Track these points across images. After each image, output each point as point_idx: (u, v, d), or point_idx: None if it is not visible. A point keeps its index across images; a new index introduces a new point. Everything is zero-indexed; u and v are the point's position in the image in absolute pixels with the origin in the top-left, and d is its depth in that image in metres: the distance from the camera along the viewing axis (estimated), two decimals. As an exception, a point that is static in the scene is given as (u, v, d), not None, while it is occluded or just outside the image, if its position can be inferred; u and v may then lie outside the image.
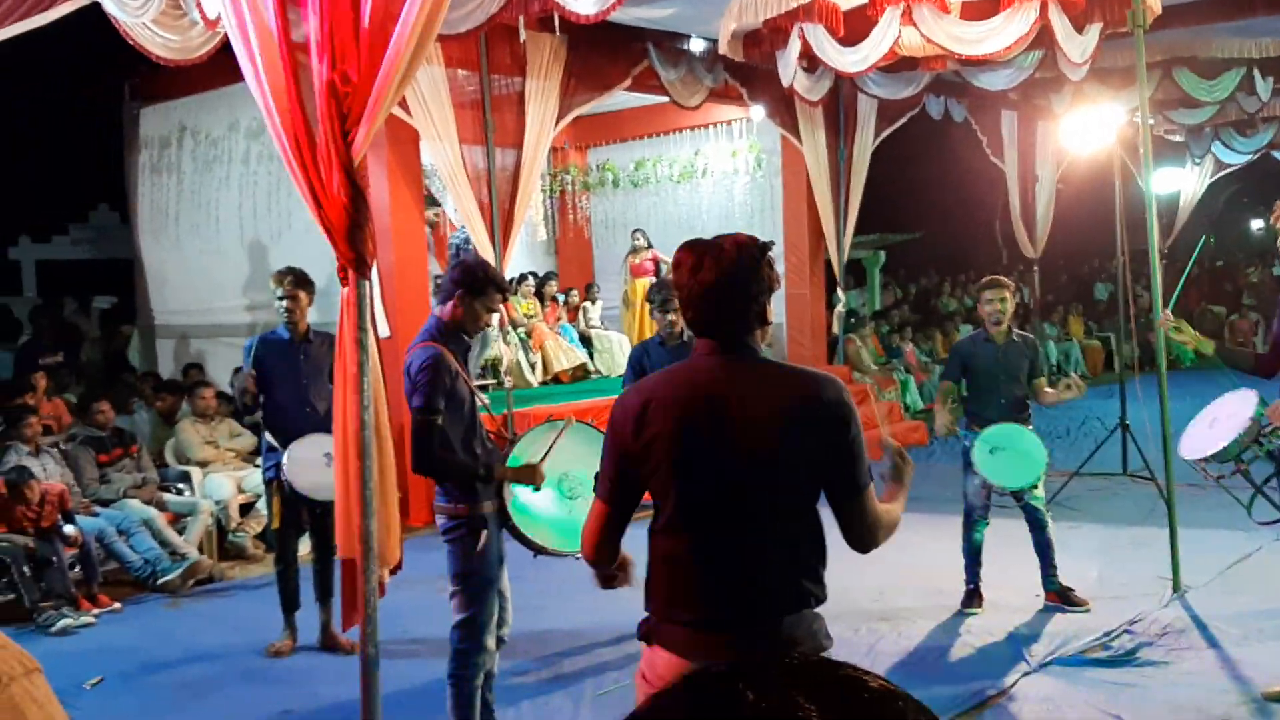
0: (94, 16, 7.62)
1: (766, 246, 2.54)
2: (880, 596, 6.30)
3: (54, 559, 6.73)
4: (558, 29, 9.22)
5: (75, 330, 11.71)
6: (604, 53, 9.87)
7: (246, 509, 8.37)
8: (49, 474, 7.25)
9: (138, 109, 11.08)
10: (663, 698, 0.66)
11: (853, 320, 14.56)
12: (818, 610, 2.51)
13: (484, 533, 4.15)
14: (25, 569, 6.65)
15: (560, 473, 4.33)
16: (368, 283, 3.54)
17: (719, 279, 2.45)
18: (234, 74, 8.83)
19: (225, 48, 7.69)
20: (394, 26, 3.45)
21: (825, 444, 2.43)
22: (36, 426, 7.61)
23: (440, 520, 4.21)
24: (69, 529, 6.89)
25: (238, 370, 8.93)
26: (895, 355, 15.12)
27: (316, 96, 3.64)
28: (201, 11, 7.00)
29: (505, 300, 5.04)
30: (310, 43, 3.66)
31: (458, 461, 4.08)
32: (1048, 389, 6.26)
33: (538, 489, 4.23)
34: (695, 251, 2.50)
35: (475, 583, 4.17)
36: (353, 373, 3.48)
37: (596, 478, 2.68)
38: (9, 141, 16.02)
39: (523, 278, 11.79)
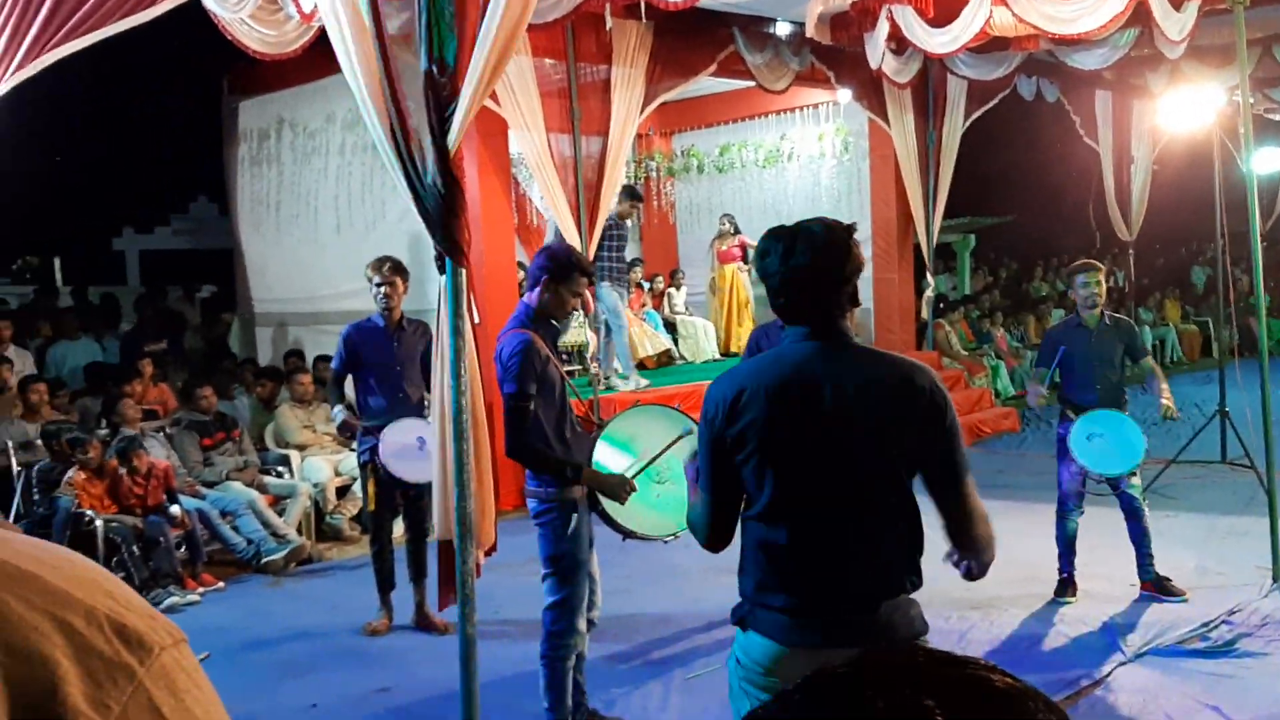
0: (193, 13, 7.85)
1: (852, 228, 2.54)
2: (971, 584, 6.24)
3: (161, 539, 7.00)
4: (644, 16, 9.25)
5: (179, 318, 12.11)
6: (690, 38, 9.87)
7: (343, 491, 8.59)
8: (154, 457, 7.53)
9: (236, 103, 11.39)
10: (783, 702, 0.64)
11: (941, 305, 14.37)
12: (913, 596, 2.51)
13: (574, 516, 4.22)
14: (134, 548, 6.93)
15: (650, 458, 4.36)
16: (463, 270, 3.62)
17: (813, 263, 2.45)
18: (329, 67, 9.00)
19: (321, 41, 7.88)
20: (487, 18, 3.51)
21: (921, 431, 2.41)
22: (134, 410, 7.90)
23: (531, 503, 4.28)
24: (175, 509, 7.16)
25: (323, 360, 9.17)
26: (985, 341, 14.88)
27: (412, 87, 3.73)
28: (297, 5, 7.17)
29: (591, 285, 5.09)
30: (405, 35, 3.75)
31: (549, 453, 4.14)
32: (1158, 368, 6.20)
33: (623, 504, 4.22)
34: (785, 237, 2.50)
35: (566, 565, 4.23)
36: (450, 358, 3.57)
37: (688, 466, 2.69)
38: (113, 136, 16.60)
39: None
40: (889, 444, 2.41)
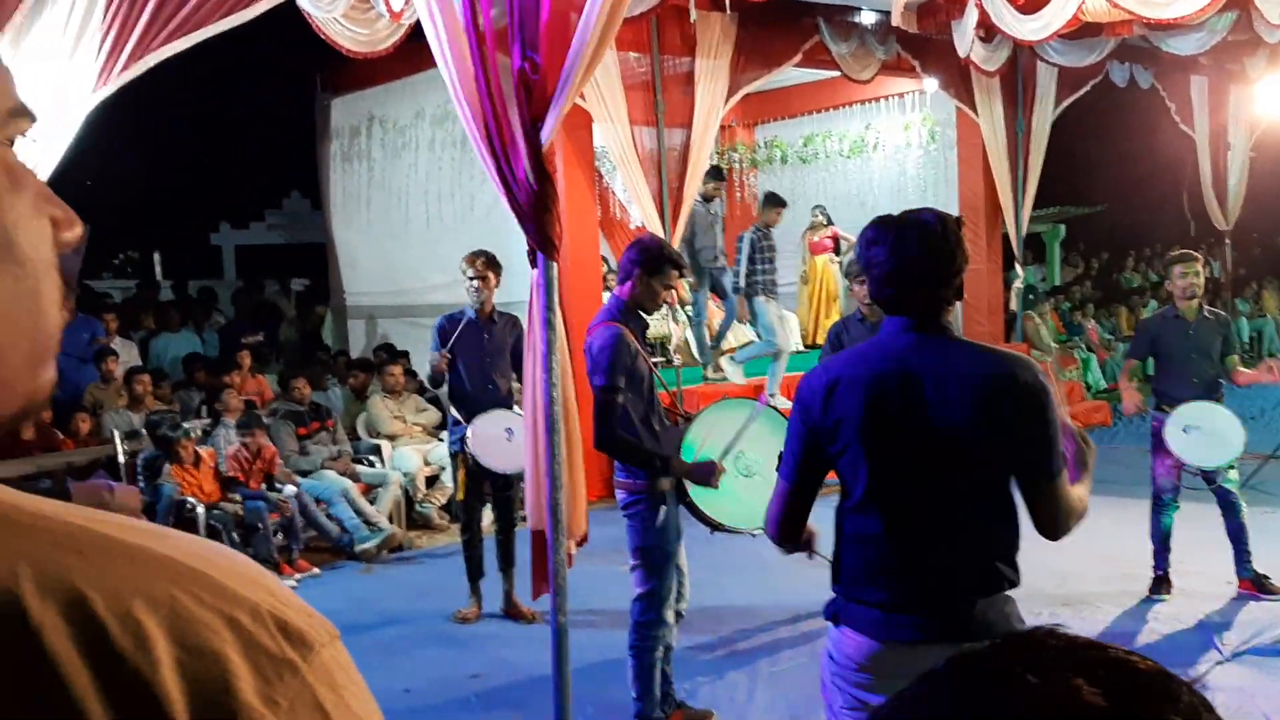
0: (287, 13, 8.06)
1: (960, 221, 2.53)
2: (1063, 581, 6.16)
3: (260, 525, 7.22)
4: (728, 8, 9.25)
5: (275, 310, 12.44)
6: (774, 29, 9.84)
7: (432, 481, 8.77)
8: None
9: (329, 100, 11.65)
10: (930, 681, 0.64)
11: (1031, 297, 14.11)
12: (1009, 593, 2.49)
13: (663, 509, 4.27)
14: (234, 534, 7.16)
15: (738, 450, 4.38)
16: (555, 265, 3.68)
17: (924, 254, 2.43)
18: (419, 64, 9.17)
19: (410, 39, 8.04)
20: (583, 17, 3.56)
21: (1020, 427, 2.38)
22: (236, 400, 8.17)
23: (620, 495, 4.34)
24: (288, 489, 7.43)
25: (404, 355, 9.37)
26: (1076, 333, 14.59)
27: (505, 85, 3.80)
28: (387, 4, 7.31)
29: (681, 277, 5.13)
30: (498, 32, 3.81)
31: (638, 444, 4.18)
32: (1243, 368, 5.98)
33: (715, 488, 4.27)
34: (895, 227, 2.48)
35: (654, 557, 4.28)
36: (541, 351, 3.63)
37: (780, 457, 2.71)
38: (210, 135, 17.08)
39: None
40: (989, 439, 2.39)
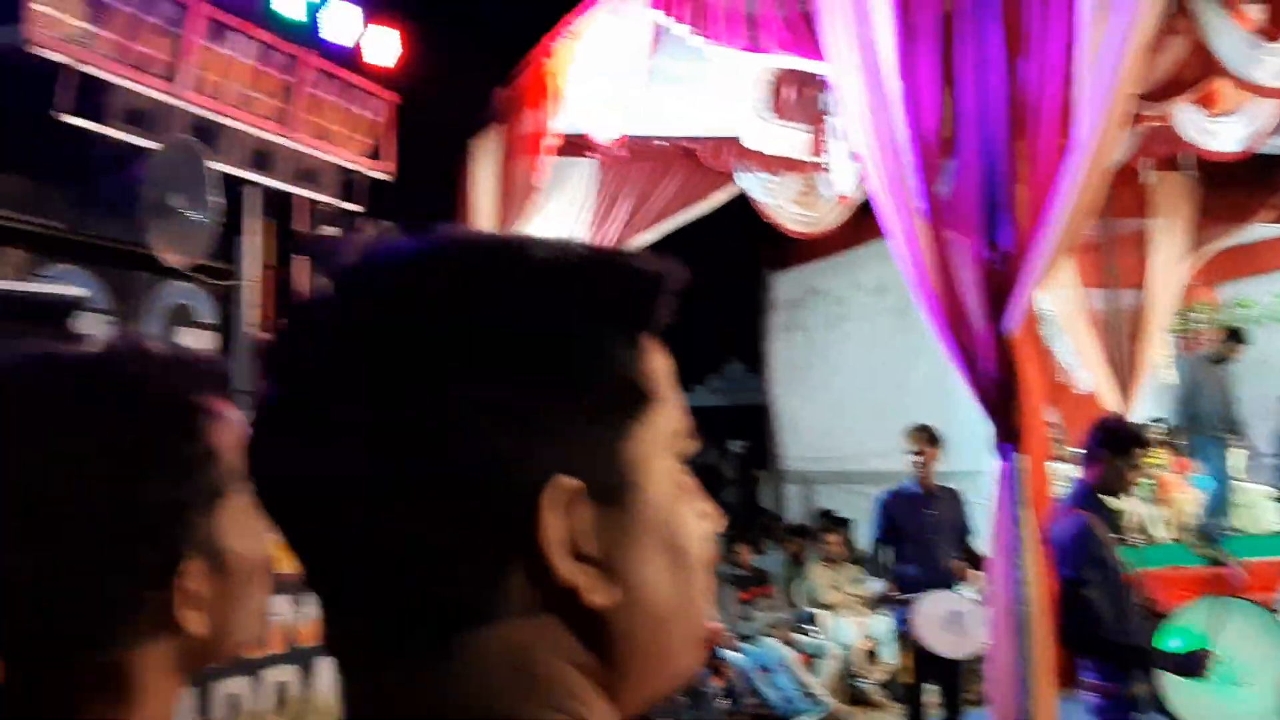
0: (738, 200, 8.70)
1: None
2: None
3: (705, 689, 7.44)
4: (1189, 167, 8.76)
5: (716, 473, 13.01)
6: (1241, 185, 9.14)
7: (871, 655, 8.61)
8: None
9: (772, 275, 12.28)
10: None
11: None
12: None
13: (1137, 716, 3.93)
14: (679, 697, 7.42)
15: (1222, 653, 3.97)
16: (1025, 457, 3.59)
17: None
18: (857, 238, 9.35)
19: (852, 216, 8.34)
20: (1059, 202, 3.49)
21: None
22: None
23: (1090, 698, 4.05)
24: (719, 660, 7.61)
25: (845, 522, 9.37)
26: None
27: (964, 267, 3.82)
28: (835, 189, 7.65)
29: (1146, 456, 4.82)
30: (959, 216, 3.86)
31: (1113, 642, 3.91)
32: None
33: (1204, 678, 3.90)
34: None
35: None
36: (1009, 547, 3.53)
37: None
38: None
39: (1149, 425, 11.03)
40: None
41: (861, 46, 3.99)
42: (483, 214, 8.23)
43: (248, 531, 0.99)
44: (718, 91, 6.94)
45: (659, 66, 5.59)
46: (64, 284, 6.10)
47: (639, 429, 0.65)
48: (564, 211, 8.03)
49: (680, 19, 5.06)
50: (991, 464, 3.71)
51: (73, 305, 5.31)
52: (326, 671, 5.15)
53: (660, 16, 5.30)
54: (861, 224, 8.84)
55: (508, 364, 0.61)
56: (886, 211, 4.10)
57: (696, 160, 8.13)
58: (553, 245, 0.66)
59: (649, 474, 0.66)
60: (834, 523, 10.01)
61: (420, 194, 8.60)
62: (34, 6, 5.06)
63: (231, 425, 0.99)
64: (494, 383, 0.60)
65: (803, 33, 4.63)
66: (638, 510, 0.65)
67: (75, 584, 0.90)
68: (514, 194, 7.79)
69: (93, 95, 5.47)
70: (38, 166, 6.21)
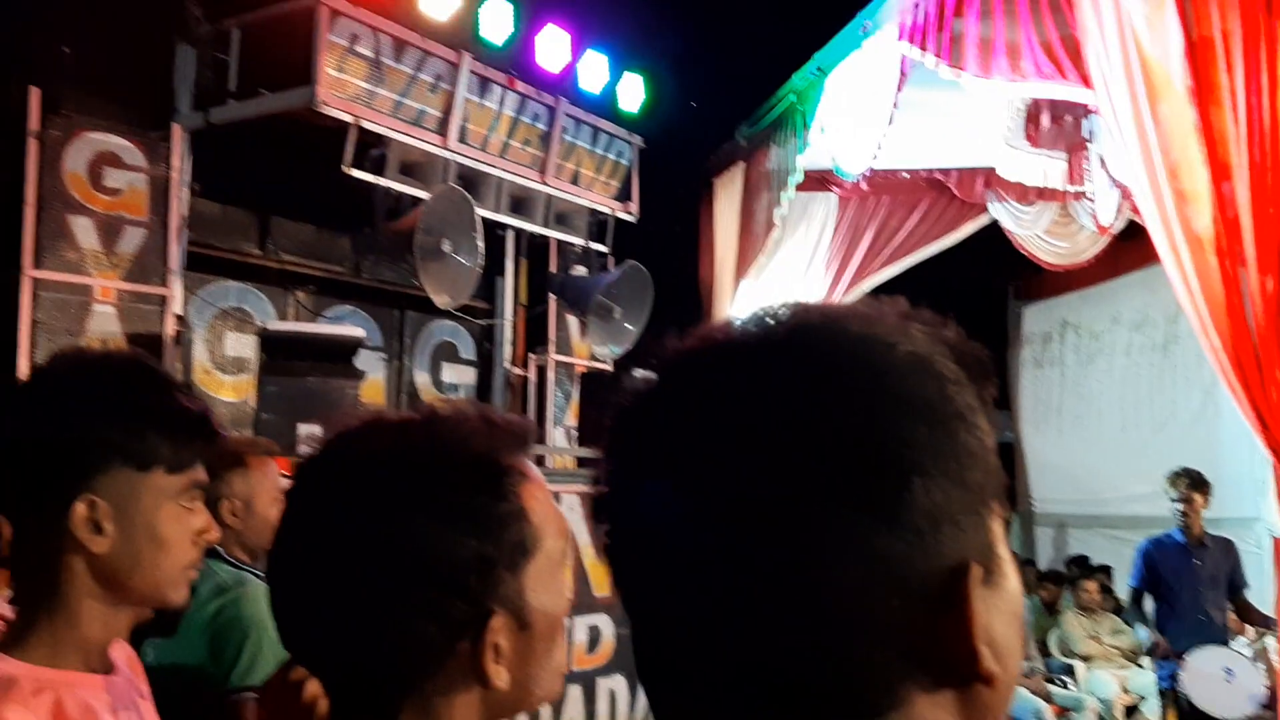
0: (985, 229, 8.45)
1: None
2: None
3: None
4: None
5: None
6: None
7: (1131, 711, 8.10)
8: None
9: (1021, 308, 11.84)
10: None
11: None
12: None
13: None
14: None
15: None
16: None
17: None
18: (1114, 269, 8.94)
19: (1109, 245, 7.96)
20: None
21: None
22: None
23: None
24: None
25: (1102, 570, 8.85)
26: None
27: (1254, 302, 3.59)
28: (1095, 219, 7.33)
29: None
30: (1244, 245, 3.62)
31: None
32: None
33: None
34: None
35: None
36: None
37: None
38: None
39: None
40: None
41: (1131, 69, 3.82)
42: (723, 251, 8.36)
43: (552, 590, 1.04)
44: (968, 121, 6.81)
45: (906, 97, 5.53)
46: (345, 324, 6.60)
47: (999, 503, 0.67)
48: (803, 246, 8.04)
49: (932, 51, 5.00)
50: (1268, 511, 3.45)
51: (354, 345, 5.75)
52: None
53: (909, 49, 5.25)
54: (1120, 254, 8.43)
55: (916, 453, 0.62)
56: (1160, 242, 3.90)
57: (943, 191, 7.98)
58: (899, 328, 0.67)
59: (1005, 544, 0.68)
60: (1090, 569, 9.50)
61: (664, 233, 8.81)
62: (325, 70, 5.53)
63: (540, 486, 1.05)
64: (911, 472, 0.61)
65: (1064, 58, 4.48)
66: (1003, 583, 0.66)
67: (390, 631, 0.96)
68: (754, 230, 7.87)
69: (372, 149, 5.91)
70: (323, 216, 6.77)
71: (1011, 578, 0.67)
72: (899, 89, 5.45)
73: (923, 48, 5.09)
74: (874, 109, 5.74)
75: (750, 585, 0.60)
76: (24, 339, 5.21)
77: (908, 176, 7.87)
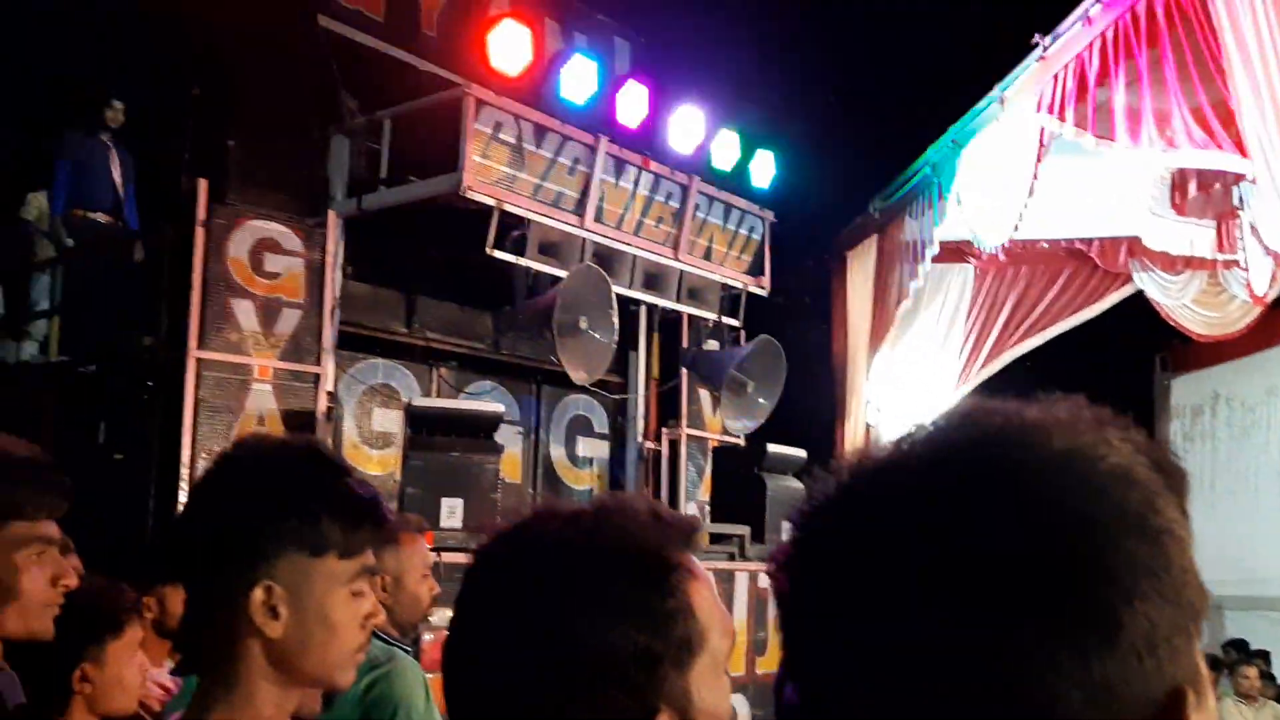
0: (1130, 299, 8.22)
1: None
2: None
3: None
4: None
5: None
6: None
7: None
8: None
9: (1169, 380, 11.42)
10: None
11: None
12: None
13: None
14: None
15: None
16: None
17: None
18: (1269, 338, 8.60)
19: (1263, 314, 7.66)
20: None
21: None
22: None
23: None
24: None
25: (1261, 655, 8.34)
26: None
27: None
28: (1249, 288, 7.07)
29: None
30: None
31: None
32: None
33: None
34: None
35: None
36: None
37: None
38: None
39: None
40: None
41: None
42: (856, 324, 8.31)
43: (716, 689, 1.03)
44: (1109, 189, 6.69)
45: (1043, 166, 5.46)
46: (486, 400, 6.76)
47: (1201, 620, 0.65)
48: (939, 318, 7.94)
49: (1073, 122, 4.94)
50: None
51: (495, 420, 5.88)
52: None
53: (1050, 121, 5.20)
54: (1275, 323, 8.08)
55: (1132, 573, 0.61)
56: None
57: (1085, 261, 7.81)
58: (1098, 437, 0.65)
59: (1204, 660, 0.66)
60: (1249, 654, 8.99)
61: (795, 306, 8.81)
62: (470, 157, 5.75)
63: (706, 584, 1.05)
64: (1130, 593, 0.60)
65: (1216, 125, 4.38)
66: (1207, 704, 0.64)
67: None
68: (888, 303, 7.82)
69: (513, 230, 6.09)
70: (465, 294, 6.99)
71: (1211, 696, 0.65)
72: (1039, 160, 5.39)
73: (1062, 118, 5.03)
74: (1012, 180, 5.68)
75: (964, 710, 0.60)
76: (188, 415, 5.47)
77: (1047, 246, 7.73)
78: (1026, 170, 5.52)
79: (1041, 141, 5.42)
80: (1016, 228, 5.96)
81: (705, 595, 1.03)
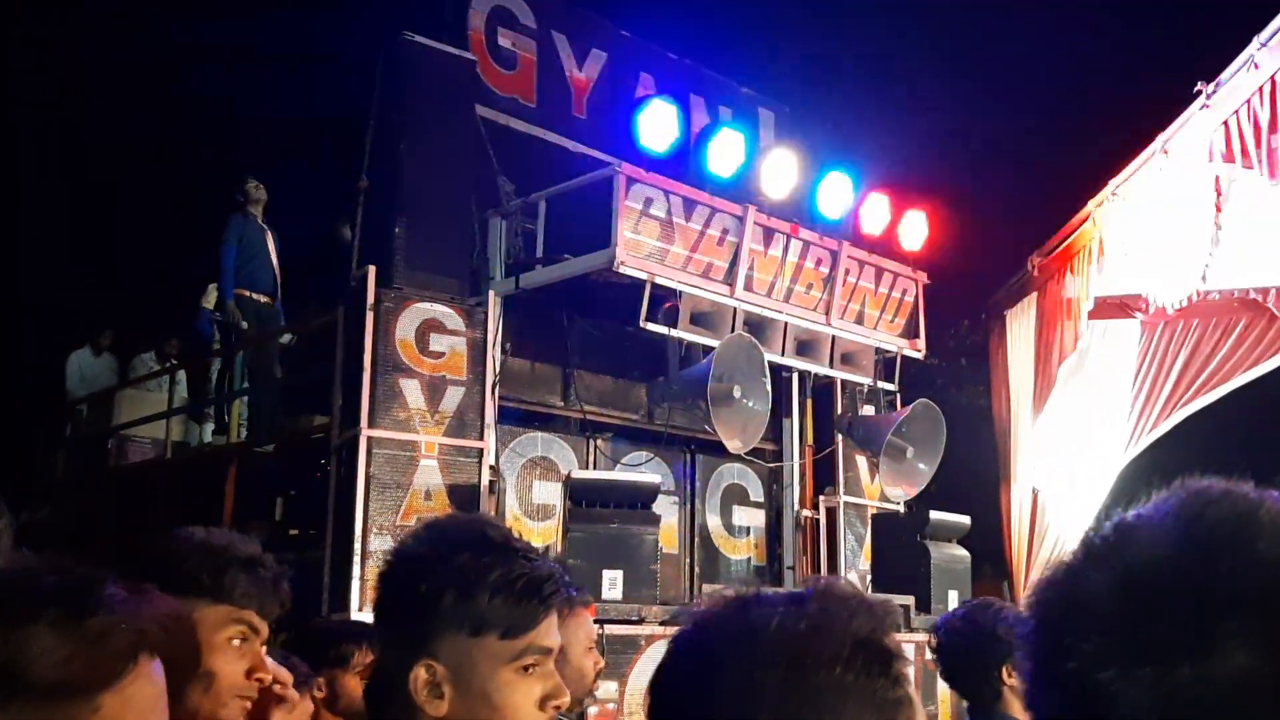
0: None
1: None
2: None
3: None
4: None
5: None
6: None
7: None
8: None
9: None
10: None
11: None
12: None
13: None
14: None
15: None
16: None
17: None
18: None
19: None
20: None
21: None
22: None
23: None
24: None
25: None
26: None
27: None
28: None
29: None
30: None
31: None
32: None
33: None
34: None
35: None
36: None
37: None
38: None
39: None
40: None
41: None
42: (1017, 385, 8.08)
43: None
44: (1283, 237, 6.36)
45: (1225, 217, 5.26)
46: (642, 470, 6.81)
47: None
48: (1105, 376, 7.65)
49: (1256, 169, 4.75)
50: None
51: (653, 491, 5.92)
52: None
53: (1224, 169, 5.01)
54: None
55: None
56: None
57: (1261, 312, 7.42)
58: None
59: None
60: None
61: (952, 368, 8.64)
62: (622, 233, 5.88)
63: (910, 669, 1.02)
64: None
65: None
66: None
67: None
68: (1050, 362, 7.59)
69: (665, 302, 6.18)
70: (620, 366, 7.10)
71: None
72: (1219, 210, 5.20)
73: (1247, 165, 4.85)
74: (1188, 232, 5.48)
75: None
76: (360, 490, 5.68)
77: (1218, 298, 7.39)
78: (1205, 221, 5.33)
79: (1219, 190, 5.24)
80: (1204, 279, 5.73)
81: (912, 683, 1.02)
